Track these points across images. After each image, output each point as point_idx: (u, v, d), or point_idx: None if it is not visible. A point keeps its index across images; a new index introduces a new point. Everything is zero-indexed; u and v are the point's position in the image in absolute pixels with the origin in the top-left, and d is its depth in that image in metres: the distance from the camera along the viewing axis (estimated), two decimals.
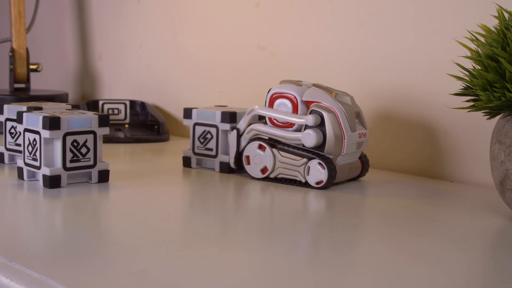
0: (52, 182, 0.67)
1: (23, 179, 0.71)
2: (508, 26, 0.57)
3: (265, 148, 0.73)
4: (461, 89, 0.62)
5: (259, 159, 0.74)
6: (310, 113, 0.71)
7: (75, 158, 0.68)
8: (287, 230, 0.56)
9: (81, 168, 0.69)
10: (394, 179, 0.78)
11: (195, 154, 0.82)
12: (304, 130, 0.71)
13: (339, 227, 0.57)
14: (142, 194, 0.67)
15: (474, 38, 0.60)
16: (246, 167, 0.76)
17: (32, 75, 1.30)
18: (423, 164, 0.82)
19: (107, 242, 0.50)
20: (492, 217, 0.62)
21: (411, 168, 0.83)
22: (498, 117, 0.68)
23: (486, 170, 0.76)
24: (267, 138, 0.75)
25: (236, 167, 0.78)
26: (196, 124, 0.82)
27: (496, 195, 0.69)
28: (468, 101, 0.62)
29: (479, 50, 0.59)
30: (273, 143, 0.74)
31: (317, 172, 0.70)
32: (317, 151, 0.71)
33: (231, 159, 0.78)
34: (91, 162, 0.69)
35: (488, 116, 0.61)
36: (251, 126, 0.75)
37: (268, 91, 0.75)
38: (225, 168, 0.79)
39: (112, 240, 0.51)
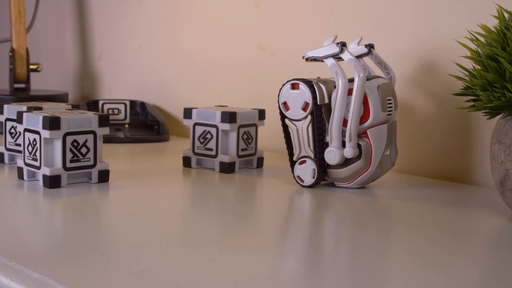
0: (52, 182, 0.67)
1: (23, 179, 0.71)
2: (508, 26, 0.57)
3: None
4: (461, 89, 0.62)
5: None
6: None
7: (75, 158, 0.68)
8: (288, 230, 0.56)
9: (81, 168, 0.69)
10: (394, 180, 0.79)
11: (195, 154, 0.82)
12: None
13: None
14: (142, 194, 0.67)
15: (474, 38, 0.60)
16: None
17: (32, 75, 1.30)
18: (420, 163, 0.82)
19: (107, 242, 0.50)
20: (492, 217, 0.61)
21: (412, 169, 0.83)
22: (498, 117, 0.68)
23: (486, 170, 0.76)
24: None
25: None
26: (196, 124, 0.81)
27: (496, 195, 0.69)
28: (468, 101, 0.62)
29: (479, 50, 0.59)
30: None
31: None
32: None
33: None
34: (91, 162, 0.69)
35: (488, 116, 0.61)
36: None
37: None
38: (225, 168, 0.79)
39: (112, 240, 0.51)
